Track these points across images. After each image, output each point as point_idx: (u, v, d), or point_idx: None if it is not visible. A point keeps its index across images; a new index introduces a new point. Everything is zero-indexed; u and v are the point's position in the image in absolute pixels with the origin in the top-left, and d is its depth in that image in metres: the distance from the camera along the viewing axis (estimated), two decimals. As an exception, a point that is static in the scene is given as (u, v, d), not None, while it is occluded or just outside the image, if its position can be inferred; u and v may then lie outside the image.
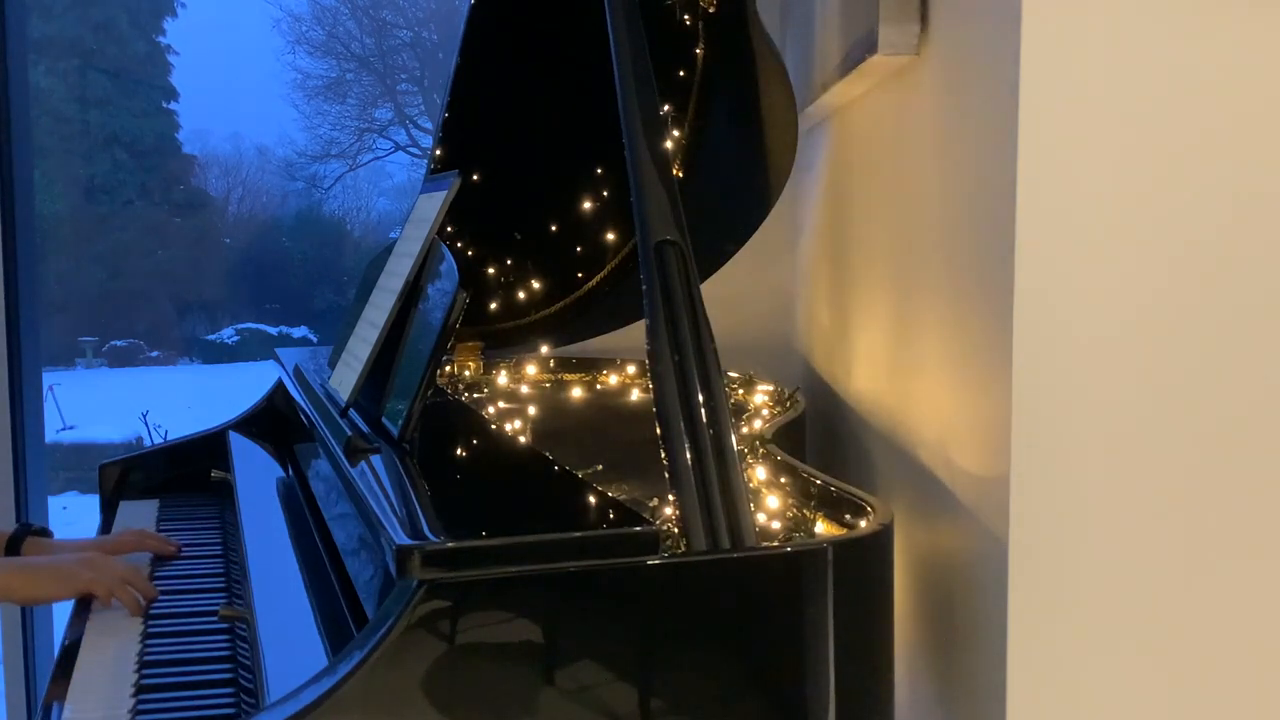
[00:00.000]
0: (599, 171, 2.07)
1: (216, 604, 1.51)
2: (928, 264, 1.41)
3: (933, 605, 1.40)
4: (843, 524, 1.31)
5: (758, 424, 1.73)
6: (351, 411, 1.50)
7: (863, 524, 1.25)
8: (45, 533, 1.73)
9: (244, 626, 1.40)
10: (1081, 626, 1.15)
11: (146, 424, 7.97)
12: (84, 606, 1.52)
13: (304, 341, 10.79)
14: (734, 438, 1.16)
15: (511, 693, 1.00)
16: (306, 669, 1.00)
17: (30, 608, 2.61)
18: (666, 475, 1.14)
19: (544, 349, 2.17)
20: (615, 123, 1.28)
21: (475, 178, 2.02)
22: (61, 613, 1.59)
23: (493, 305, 2.13)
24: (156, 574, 1.64)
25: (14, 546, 1.65)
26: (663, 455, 1.15)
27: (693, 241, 1.23)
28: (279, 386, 2.13)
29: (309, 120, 12.04)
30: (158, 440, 6.36)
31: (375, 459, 1.31)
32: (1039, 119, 1.11)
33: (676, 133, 1.95)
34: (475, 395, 2.03)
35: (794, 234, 2.35)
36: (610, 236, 2.07)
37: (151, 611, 1.49)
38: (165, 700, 1.25)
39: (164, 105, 11.52)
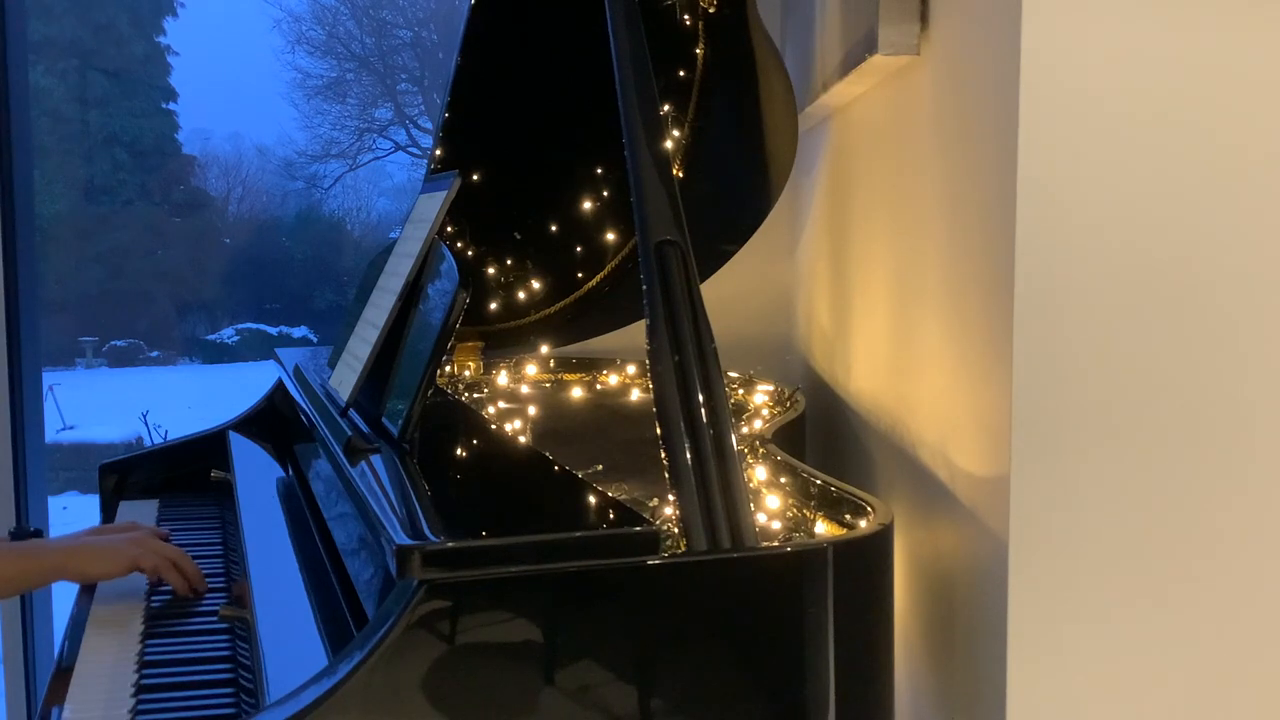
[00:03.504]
0: (599, 171, 2.07)
1: (216, 604, 1.51)
2: (928, 264, 1.41)
3: (933, 605, 1.40)
4: (843, 524, 1.31)
5: (758, 424, 1.73)
6: (351, 411, 1.50)
7: (863, 524, 1.25)
8: (39, 535, 1.72)
9: (244, 626, 1.40)
10: (1081, 626, 1.15)
11: (146, 424, 7.97)
12: (86, 597, 1.52)
13: (304, 341, 10.79)
14: (734, 438, 1.16)
15: (511, 693, 1.00)
16: (306, 669, 1.00)
17: (30, 609, 2.61)
18: (666, 475, 1.14)
19: (544, 349, 2.17)
20: (615, 123, 1.28)
21: (475, 178, 2.02)
22: (61, 613, 1.59)
23: (493, 305, 2.13)
24: None
25: None
26: (663, 455, 1.15)
27: (693, 241, 1.22)
28: (279, 386, 2.13)
29: (309, 120, 12.05)
30: (158, 440, 6.35)
31: (375, 459, 1.31)
32: (1039, 119, 1.11)
33: (676, 133, 1.95)
34: (475, 395, 2.03)
35: (794, 234, 2.35)
36: (610, 236, 2.07)
37: (151, 611, 1.49)
38: (165, 700, 1.25)
39: (164, 105, 11.51)
